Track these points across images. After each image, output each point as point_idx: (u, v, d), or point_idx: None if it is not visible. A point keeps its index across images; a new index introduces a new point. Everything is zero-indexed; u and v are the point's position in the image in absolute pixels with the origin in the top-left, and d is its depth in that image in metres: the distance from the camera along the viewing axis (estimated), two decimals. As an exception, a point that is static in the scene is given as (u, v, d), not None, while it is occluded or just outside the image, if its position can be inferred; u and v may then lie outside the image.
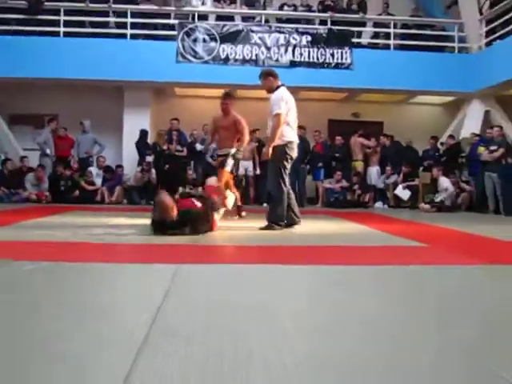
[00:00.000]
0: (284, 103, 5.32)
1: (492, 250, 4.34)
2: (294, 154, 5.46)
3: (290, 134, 5.41)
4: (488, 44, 10.85)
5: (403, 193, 10.28)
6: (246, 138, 6.65)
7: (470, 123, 10.95)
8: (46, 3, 10.63)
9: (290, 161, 5.46)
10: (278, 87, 5.53)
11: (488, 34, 10.86)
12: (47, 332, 1.71)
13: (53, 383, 1.28)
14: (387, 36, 11.47)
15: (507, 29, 9.96)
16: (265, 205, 10.24)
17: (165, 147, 10.15)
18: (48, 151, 10.36)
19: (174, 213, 4.54)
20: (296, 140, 5.52)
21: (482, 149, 9.44)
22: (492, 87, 10.46)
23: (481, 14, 11.00)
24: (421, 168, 10.88)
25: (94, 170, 10.44)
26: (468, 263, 3.34)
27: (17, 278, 2.62)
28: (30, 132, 11.46)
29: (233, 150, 6.48)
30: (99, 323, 1.82)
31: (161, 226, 4.55)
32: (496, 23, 10.53)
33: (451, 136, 10.80)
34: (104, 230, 5.20)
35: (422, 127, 11.84)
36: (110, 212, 7.84)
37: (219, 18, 11.22)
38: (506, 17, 10.06)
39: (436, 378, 1.36)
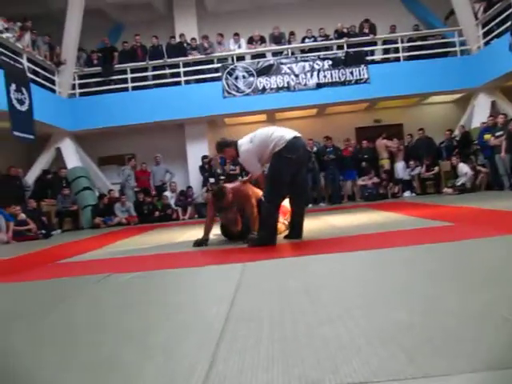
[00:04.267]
0: (254, 157, 4.01)
1: (508, 221, 4.16)
2: (296, 153, 3.89)
3: (280, 141, 3.88)
4: (486, 43, 10.43)
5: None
6: (254, 210, 4.33)
7: (479, 114, 10.53)
8: (115, 66, 11.10)
9: (293, 165, 3.91)
10: (237, 152, 4.16)
11: (485, 34, 10.46)
12: (139, 326, 1.78)
13: (144, 370, 1.33)
14: (396, 50, 11.25)
15: (502, 28, 9.57)
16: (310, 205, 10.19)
17: (218, 170, 10.32)
18: (131, 184, 10.75)
19: (239, 226, 4.55)
20: (293, 136, 3.92)
21: (487, 136, 9.10)
22: (494, 80, 10.04)
23: (476, 18, 10.62)
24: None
25: (168, 193, 10.72)
26: (489, 235, 3.21)
27: (116, 286, 2.73)
28: (114, 169, 11.87)
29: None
30: (185, 317, 1.87)
31: (230, 236, 4.66)
32: (492, 24, 10.12)
33: (462, 126, 10.49)
34: (181, 241, 5.34)
35: (437, 123, 11.47)
36: (184, 226, 8.02)
37: (253, 56, 11.33)
38: (500, 18, 9.69)
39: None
